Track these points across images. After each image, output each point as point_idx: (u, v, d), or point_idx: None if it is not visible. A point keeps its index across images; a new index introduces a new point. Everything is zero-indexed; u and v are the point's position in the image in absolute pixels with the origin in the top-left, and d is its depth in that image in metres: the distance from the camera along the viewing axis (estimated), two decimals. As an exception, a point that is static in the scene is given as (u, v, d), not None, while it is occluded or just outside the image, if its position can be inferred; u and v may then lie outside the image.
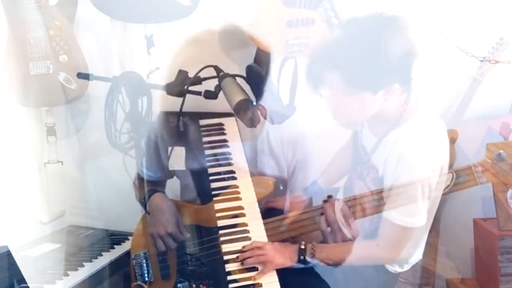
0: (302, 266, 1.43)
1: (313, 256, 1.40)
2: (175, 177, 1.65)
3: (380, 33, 1.32)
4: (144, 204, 1.50)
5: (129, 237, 1.71)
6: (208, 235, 1.47)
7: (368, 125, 1.55)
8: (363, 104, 1.39)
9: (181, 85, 1.25)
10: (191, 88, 1.25)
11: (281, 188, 1.63)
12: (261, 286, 1.38)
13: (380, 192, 1.43)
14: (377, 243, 1.47)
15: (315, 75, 1.38)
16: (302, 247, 1.41)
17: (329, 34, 1.55)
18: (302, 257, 1.40)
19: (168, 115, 1.54)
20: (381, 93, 1.37)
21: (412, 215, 1.42)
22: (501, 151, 1.44)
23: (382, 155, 1.48)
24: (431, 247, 1.69)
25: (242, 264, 1.38)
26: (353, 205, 1.45)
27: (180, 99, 1.28)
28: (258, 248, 1.40)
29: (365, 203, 1.44)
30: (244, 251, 1.40)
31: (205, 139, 1.58)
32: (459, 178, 1.47)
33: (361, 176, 1.58)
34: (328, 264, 1.44)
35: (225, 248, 1.42)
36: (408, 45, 1.33)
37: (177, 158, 1.52)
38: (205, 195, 1.53)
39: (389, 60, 1.32)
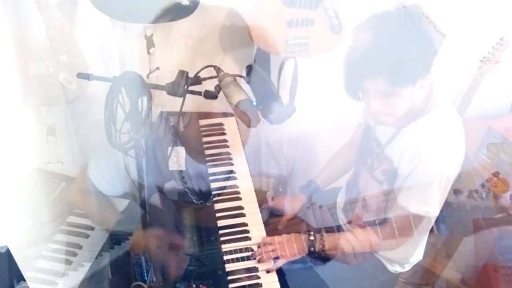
0: (300, 265, 1.44)
1: (323, 246, 1.39)
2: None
3: (406, 24, 1.32)
4: (143, 205, 1.50)
5: (129, 237, 1.71)
6: (208, 235, 1.47)
7: None
8: (405, 98, 1.38)
9: (181, 85, 1.25)
10: (191, 88, 1.25)
11: (280, 189, 1.63)
12: (261, 286, 1.38)
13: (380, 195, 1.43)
14: (386, 229, 1.47)
15: (355, 83, 1.38)
16: (311, 238, 1.41)
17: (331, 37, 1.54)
18: (312, 249, 1.40)
19: (168, 115, 1.54)
20: (419, 83, 1.36)
21: (429, 205, 1.43)
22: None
23: (398, 146, 1.48)
24: (431, 247, 1.69)
25: (258, 262, 1.40)
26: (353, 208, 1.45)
27: (180, 99, 1.27)
28: (268, 244, 1.41)
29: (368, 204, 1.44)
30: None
31: (205, 139, 1.58)
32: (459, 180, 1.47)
33: (371, 168, 1.57)
34: (335, 258, 1.44)
35: (225, 248, 1.42)
36: (433, 31, 1.32)
37: (177, 158, 1.52)
38: (205, 196, 1.53)
39: (423, 48, 1.32)
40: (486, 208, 1.37)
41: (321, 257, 1.41)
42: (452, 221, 1.42)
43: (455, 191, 1.43)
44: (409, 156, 1.44)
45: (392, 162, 1.50)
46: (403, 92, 1.35)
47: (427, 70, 1.36)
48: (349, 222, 1.44)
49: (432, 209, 1.43)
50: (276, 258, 1.41)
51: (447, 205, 1.40)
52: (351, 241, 1.40)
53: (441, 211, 1.43)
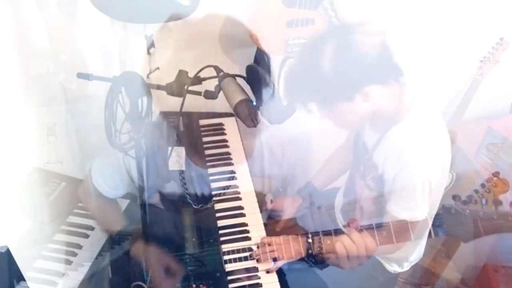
0: (299, 266, 1.44)
1: (320, 249, 1.39)
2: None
3: (328, 47, 1.32)
4: (143, 205, 1.50)
5: (129, 237, 1.71)
6: (208, 235, 1.47)
7: (369, 122, 1.55)
8: (348, 111, 1.40)
9: (181, 85, 1.25)
10: (191, 88, 1.25)
11: (280, 189, 1.63)
12: (261, 286, 1.38)
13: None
14: (382, 234, 1.47)
15: (295, 100, 1.39)
16: (309, 240, 1.41)
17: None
18: (309, 251, 1.40)
19: (168, 115, 1.54)
20: (359, 97, 1.36)
21: (413, 209, 1.43)
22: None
23: (382, 152, 1.48)
24: (431, 247, 1.70)
25: (257, 262, 1.41)
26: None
27: (180, 99, 1.28)
28: (267, 244, 1.41)
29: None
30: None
31: (205, 139, 1.58)
32: (459, 180, 1.47)
33: (363, 175, 1.58)
34: (330, 262, 1.43)
35: (225, 248, 1.42)
36: (361, 48, 1.31)
37: (178, 159, 1.52)
38: (205, 199, 1.53)
39: (346, 68, 1.32)
40: (485, 214, 1.36)
41: (318, 260, 1.40)
42: (450, 227, 1.41)
43: (454, 196, 1.42)
44: (392, 161, 1.45)
45: (377, 169, 1.50)
46: (341, 106, 1.38)
47: (360, 88, 1.35)
48: (348, 225, 1.43)
49: (417, 214, 1.43)
50: (275, 258, 1.41)
51: (445, 211, 1.39)
52: (347, 245, 1.39)
53: (439, 216, 1.42)
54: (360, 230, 1.37)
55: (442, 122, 1.46)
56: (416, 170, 1.41)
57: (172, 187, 1.56)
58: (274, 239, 1.44)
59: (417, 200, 1.42)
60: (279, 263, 1.41)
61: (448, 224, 1.39)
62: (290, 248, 1.41)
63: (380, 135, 1.49)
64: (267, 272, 1.40)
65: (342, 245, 1.37)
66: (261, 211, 1.52)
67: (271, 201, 1.63)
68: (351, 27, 1.34)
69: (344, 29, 1.36)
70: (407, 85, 1.42)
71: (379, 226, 1.45)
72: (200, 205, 1.51)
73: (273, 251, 1.41)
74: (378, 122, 1.48)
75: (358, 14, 1.55)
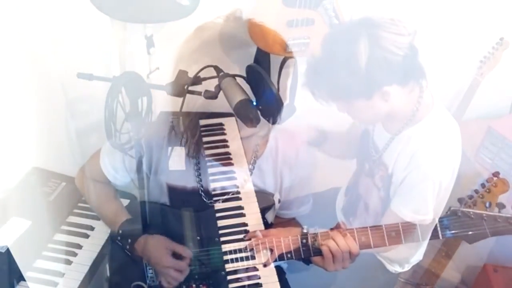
0: (301, 265, 1.43)
1: (314, 240, 1.38)
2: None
3: (356, 40, 1.34)
4: (143, 205, 1.50)
5: (129, 238, 1.71)
6: (208, 235, 1.47)
7: (382, 122, 1.55)
8: (367, 108, 1.40)
9: (181, 85, 1.25)
10: (191, 88, 1.25)
11: (279, 202, 1.62)
12: (261, 286, 1.38)
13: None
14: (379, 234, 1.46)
15: (313, 91, 1.43)
16: (305, 231, 1.41)
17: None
18: (304, 241, 1.39)
19: (168, 115, 1.54)
20: (377, 96, 1.37)
21: (421, 213, 1.42)
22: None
23: (394, 153, 1.48)
24: (431, 247, 1.70)
25: (251, 251, 1.39)
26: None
27: (180, 99, 1.28)
28: (264, 235, 1.41)
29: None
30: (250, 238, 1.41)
31: (205, 139, 1.57)
32: (459, 180, 1.47)
33: (371, 173, 1.58)
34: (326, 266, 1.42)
35: (225, 248, 1.42)
36: (390, 47, 1.32)
37: (178, 158, 1.52)
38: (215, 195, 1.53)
39: (370, 65, 1.32)
40: (489, 217, 1.35)
41: (310, 252, 1.39)
42: (457, 228, 1.40)
43: (459, 199, 1.42)
44: (402, 163, 1.44)
45: (387, 169, 1.50)
46: (357, 103, 1.40)
47: (379, 87, 1.35)
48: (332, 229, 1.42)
49: (425, 217, 1.43)
50: (271, 250, 1.40)
51: (452, 213, 1.38)
52: (332, 248, 1.36)
53: (447, 218, 1.41)
54: (344, 234, 1.36)
55: (456, 124, 1.46)
56: (429, 173, 1.41)
57: (172, 187, 1.56)
58: (268, 230, 1.43)
59: (427, 204, 1.42)
60: (275, 254, 1.39)
61: (454, 226, 1.38)
62: (286, 237, 1.40)
63: (391, 136, 1.49)
64: (264, 265, 1.39)
65: (328, 248, 1.36)
66: (269, 211, 1.52)
67: (279, 201, 1.62)
68: (380, 24, 1.35)
69: (373, 25, 1.36)
70: (428, 87, 1.43)
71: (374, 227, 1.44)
72: (210, 201, 1.50)
73: (270, 241, 1.40)
74: (392, 122, 1.48)
75: (358, 15, 1.54)
